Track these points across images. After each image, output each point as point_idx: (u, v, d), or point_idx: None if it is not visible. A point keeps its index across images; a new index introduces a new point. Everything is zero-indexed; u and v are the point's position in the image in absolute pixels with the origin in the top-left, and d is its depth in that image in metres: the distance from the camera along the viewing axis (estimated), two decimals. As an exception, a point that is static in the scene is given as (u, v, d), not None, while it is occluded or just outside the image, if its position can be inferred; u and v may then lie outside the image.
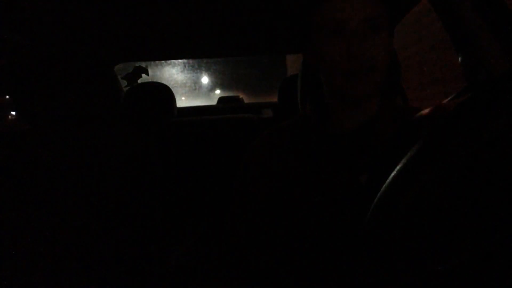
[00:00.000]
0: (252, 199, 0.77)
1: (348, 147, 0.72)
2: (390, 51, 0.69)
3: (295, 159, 0.74)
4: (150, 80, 2.12)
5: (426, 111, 0.47)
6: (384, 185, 0.31)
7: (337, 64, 0.65)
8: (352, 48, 0.63)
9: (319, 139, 0.74)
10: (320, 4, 0.67)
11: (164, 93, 1.59)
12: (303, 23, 0.74)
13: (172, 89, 1.65)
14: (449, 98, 0.46)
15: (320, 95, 0.79)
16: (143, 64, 2.33)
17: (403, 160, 0.30)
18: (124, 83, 2.15)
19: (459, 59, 0.94)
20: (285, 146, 0.77)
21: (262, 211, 0.75)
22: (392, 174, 0.30)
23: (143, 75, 2.36)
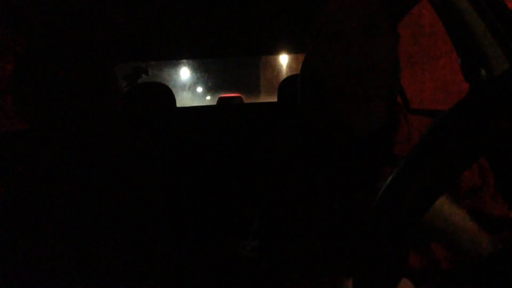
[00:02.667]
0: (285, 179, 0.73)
1: (361, 152, 0.70)
2: (393, 51, 0.68)
3: (307, 161, 0.72)
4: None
5: None
6: (384, 185, 0.31)
7: (338, 64, 0.65)
8: (351, 48, 0.63)
9: (326, 142, 0.73)
10: (320, 6, 0.67)
11: (164, 93, 1.59)
12: (305, 26, 0.74)
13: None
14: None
15: (322, 97, 0.78)
16: (143, 64, 2.33)
17: (402, 160, 0.30)
18: (124, 83, 2.15)
19: (459, 59, 0.93)
20: (298, 148, 0.75)
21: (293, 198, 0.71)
22: (392, 174, 0.30)
23: (143, 75, 2.36)
